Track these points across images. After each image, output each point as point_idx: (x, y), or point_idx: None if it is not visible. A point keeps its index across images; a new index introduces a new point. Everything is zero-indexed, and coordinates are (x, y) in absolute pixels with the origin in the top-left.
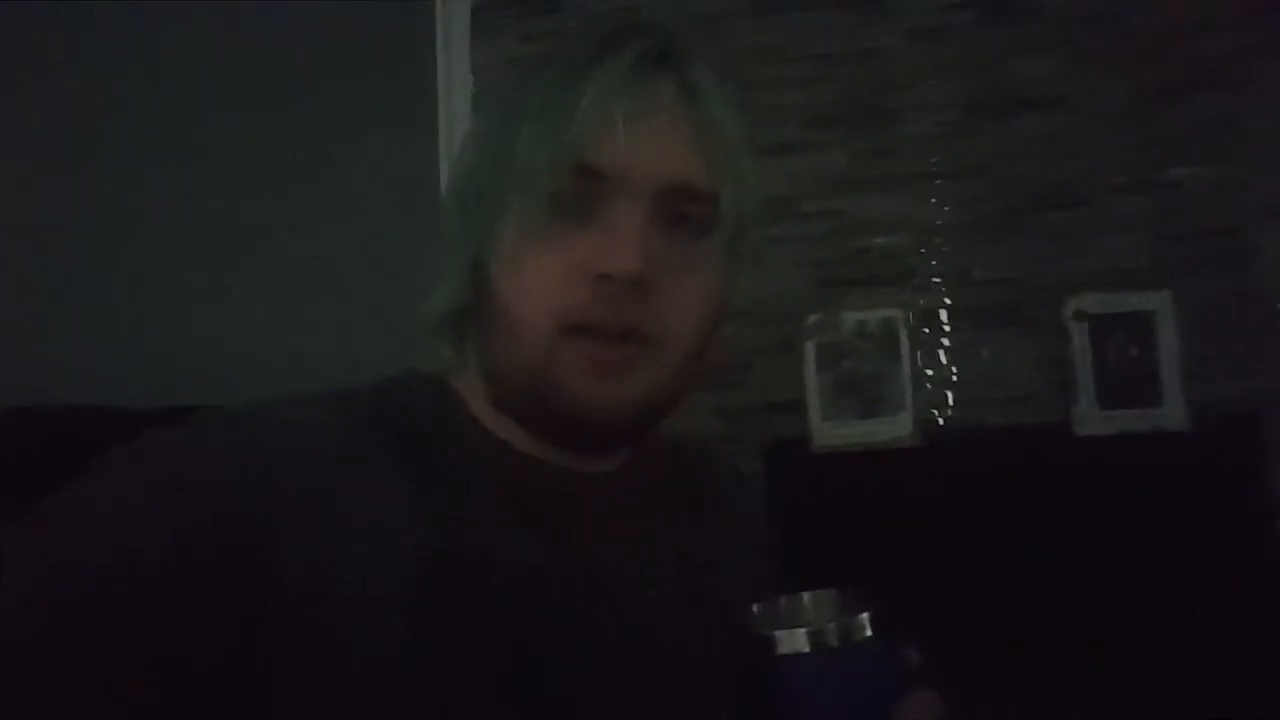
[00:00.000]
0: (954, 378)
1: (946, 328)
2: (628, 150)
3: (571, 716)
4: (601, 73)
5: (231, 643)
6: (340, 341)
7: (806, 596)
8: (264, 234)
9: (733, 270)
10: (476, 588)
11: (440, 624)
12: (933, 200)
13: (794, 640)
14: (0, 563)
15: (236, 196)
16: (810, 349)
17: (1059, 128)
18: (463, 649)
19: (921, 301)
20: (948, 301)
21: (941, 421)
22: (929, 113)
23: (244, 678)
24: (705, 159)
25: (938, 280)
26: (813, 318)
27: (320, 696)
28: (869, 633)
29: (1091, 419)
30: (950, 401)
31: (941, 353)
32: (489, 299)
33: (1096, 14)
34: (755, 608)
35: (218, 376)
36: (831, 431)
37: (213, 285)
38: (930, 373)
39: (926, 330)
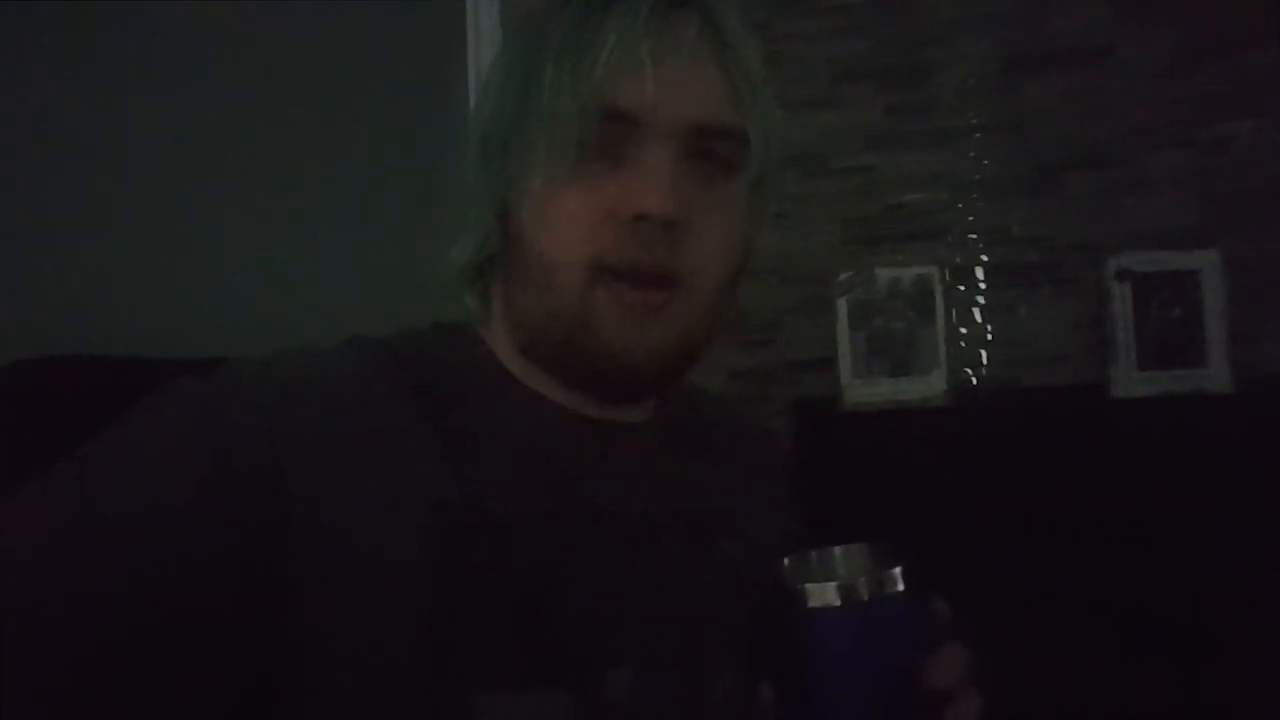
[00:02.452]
0: (989, 337)
1: (982, 286)
2: (655, 91)
3: (589, 667)
4: (623, 12)
5: (255, 591)
6: (367, 292)
7: (838, 550)
8: (291, 187)
9: (759, 212)
10: (497, 538)
11: (459, 573)
12: (970, 155)
13: (825, 594)
14: (31, 510)
15: (264, 150)
16: (842, 306)
17: (1102, 81)
18: (481, 598)
19: (957, 259)
20: (984, 259)
21: (975, 381)
22: (966, 66)
23: (266, 625)
24: (731, 96)
25: (974, 237)
26: (845, 274)
27: (338, 644)
28: (900, 587)
29: (1130, 380)
30: (984, 361)
31: (976, 311)
32: (517, 246)
33: None
34: (785, 561)
35: (239, 327)
36: (862, 390)
37: (236, 236)
38: (964, 331)
39: (961, 288)
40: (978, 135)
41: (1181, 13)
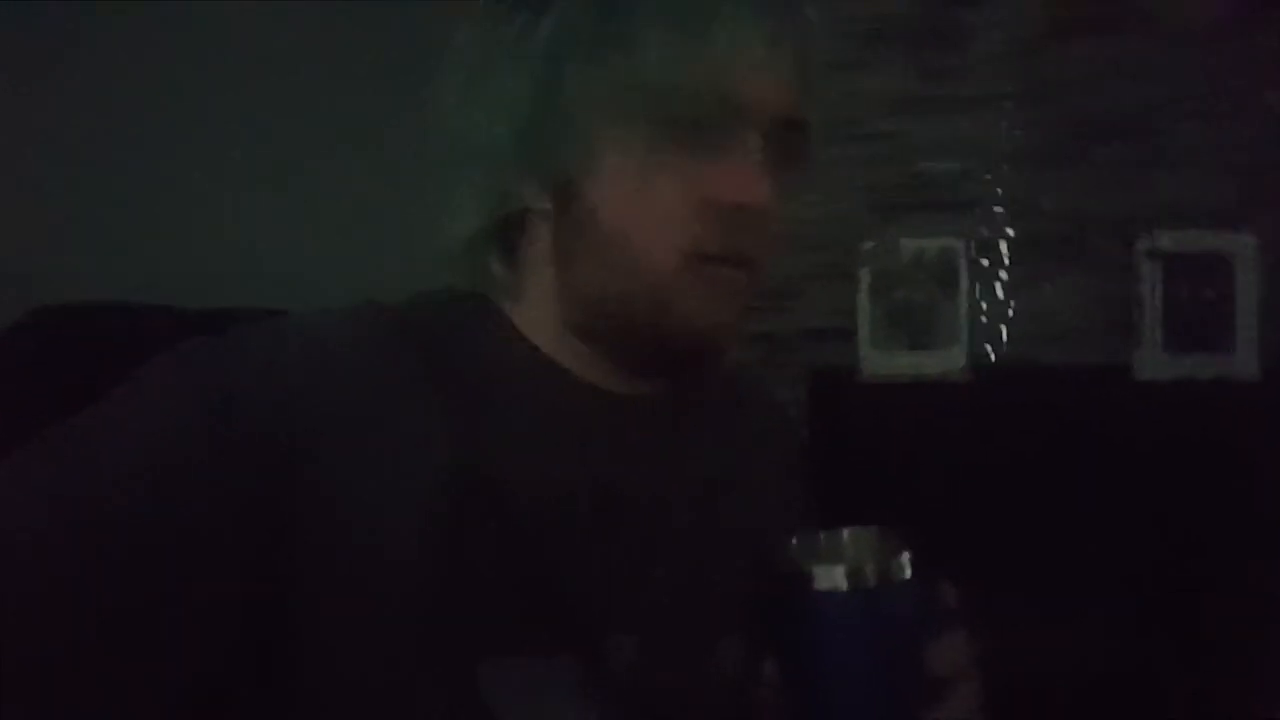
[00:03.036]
0: (1010, 313)
1: (1007, 260)
2: (761, 81)
3: (593, 634)
4: (736, 1)
5: (262, 554)
6: (385, 249)
7: (846, 533)
8: (312, 137)
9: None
10: (506, 505)
11: (467, 541)
12: (1001, 124)
13: (831, 577)
14: (32, 478)
15: (287, 99)
16: (865, 275)
17: (1142, 47)
18: (488, 566)
19: (983, 231)
20: (1009, 233)
21: (994, 358)
22: (1001, 30)
23: (273, 593)
24: (806, 91)
25: (1000, 210)
26: (869, 244)
27: (345, 609)
28: (907, 574)
29: (1155, 363)
30: (1005, 337)
31: (999, 286)
32: (589, 220)
33: None
34: (793, 541)
35: (259, 278)
36: (881, 361)
37: (256, 188)
38: (985, 306)
39: (985, 262)
40: (1009, 103)
41: None
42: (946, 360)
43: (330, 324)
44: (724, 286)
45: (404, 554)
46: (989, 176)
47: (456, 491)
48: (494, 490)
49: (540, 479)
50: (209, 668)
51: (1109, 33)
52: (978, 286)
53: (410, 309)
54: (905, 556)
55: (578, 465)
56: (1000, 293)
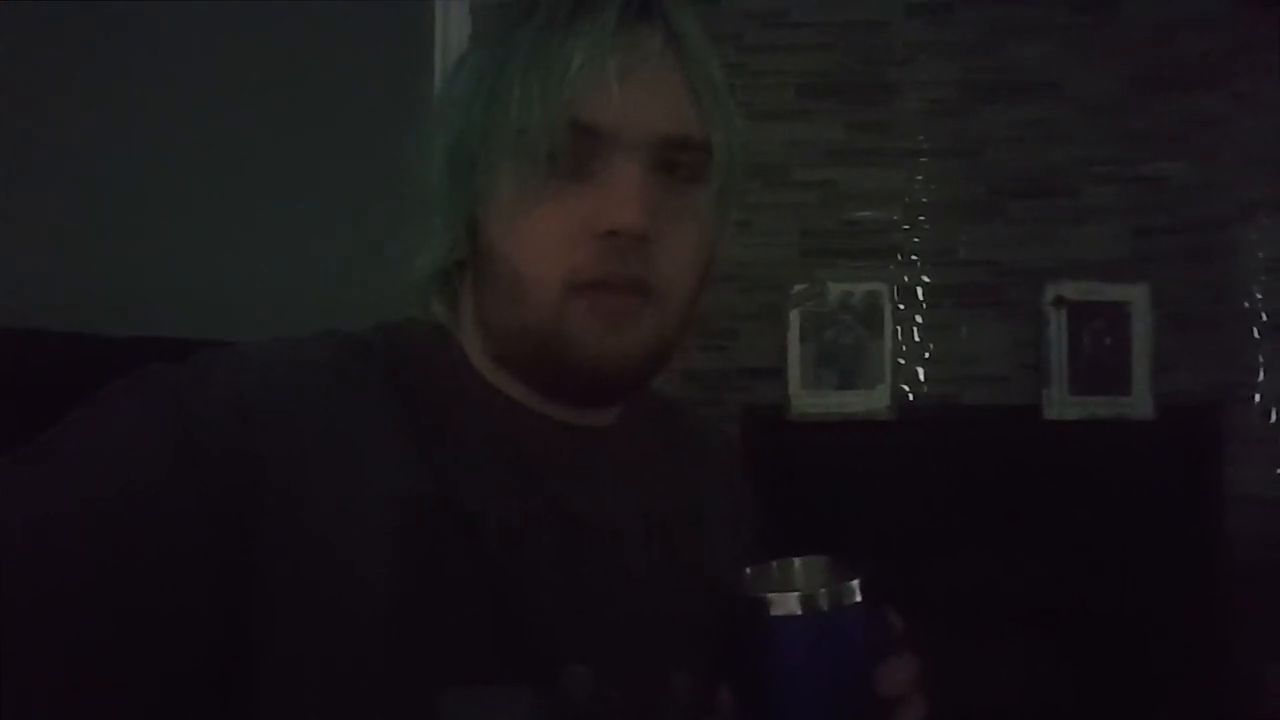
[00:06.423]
0: (928, 355)
1: (925, 305)
2: (622, 105)
3: (551, 664)
4: (589, 26)
5: (223, 577)
6: (339, 281)
7: (798, 562)
8: (259, 165)
9: (724, 220)
10: (466, 534)
11: (427, 568)
12: (920, 178)
13: (786, 603)
14: None
15: (234, 128)
16: (795, 317)
17: (1051, 114)
18: (447, 594)
19: (905, 277)
20: (927, 279)
21: (913, 397)
22: (925, 89)
23: (234, 614)
24: (696, 108)
25: (920, 258)
26: (800, 286)
27: (306, 634)
28: (858, 598)
29: (1062, 403)
30: (924, 378)
31: (917, 329)
32: (488, 258)
33: (1097, 1)
34: (748, 570)
35: (205, 307)
36: (809, 400)
37: (201, 218)
38: (906, 348)
39: (904, 306)
40: (928, 159)
41: (1130, 54)
42: (872, 399)
43: (294, 348)
44: (609, 313)
45: (365, 579)
46: (908, 227)
47: (418, 515)
48: (455, 515)
49: (496, 506)
50: (170, 690)
51: (1023, 98)
52: (900, 329)
53: (372, 336)
54: (855, 582)
55: (533, 494)
56: (920, 336)
